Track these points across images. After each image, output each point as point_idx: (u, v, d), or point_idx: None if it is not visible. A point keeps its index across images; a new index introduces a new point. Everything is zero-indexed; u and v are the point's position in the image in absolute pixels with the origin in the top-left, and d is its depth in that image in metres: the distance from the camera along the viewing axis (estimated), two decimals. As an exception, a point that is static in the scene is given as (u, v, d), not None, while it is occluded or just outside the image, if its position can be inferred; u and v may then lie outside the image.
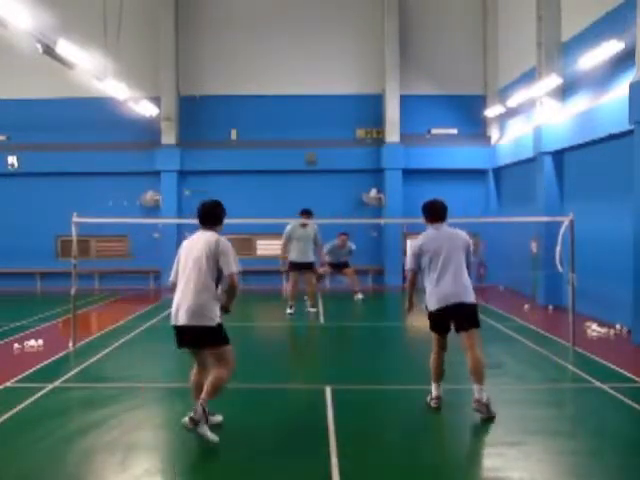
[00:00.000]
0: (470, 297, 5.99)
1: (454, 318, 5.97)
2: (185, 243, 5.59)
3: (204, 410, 5.06)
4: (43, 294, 16.71)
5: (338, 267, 14.69)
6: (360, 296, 14.08)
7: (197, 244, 5.42)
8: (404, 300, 6.27)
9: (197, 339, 5.32)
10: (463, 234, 6.21)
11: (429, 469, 4.84)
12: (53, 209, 16.87)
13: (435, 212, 6.25)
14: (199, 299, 5.24)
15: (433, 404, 6.15)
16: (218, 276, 5.37)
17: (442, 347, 6.13)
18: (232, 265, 5.33)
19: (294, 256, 12.51)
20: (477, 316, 6.03)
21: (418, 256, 6.11)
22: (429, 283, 6.05)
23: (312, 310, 12.62)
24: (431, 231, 6.19)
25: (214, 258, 5.31)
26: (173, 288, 5.54)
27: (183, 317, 5.25)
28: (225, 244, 5.39)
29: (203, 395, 5.15)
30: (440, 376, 6.16)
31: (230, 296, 5.42)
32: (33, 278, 17.45)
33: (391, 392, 7.08)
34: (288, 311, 12.44)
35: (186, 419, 5.06)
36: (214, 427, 5.37)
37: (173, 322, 5.38)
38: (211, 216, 5.60)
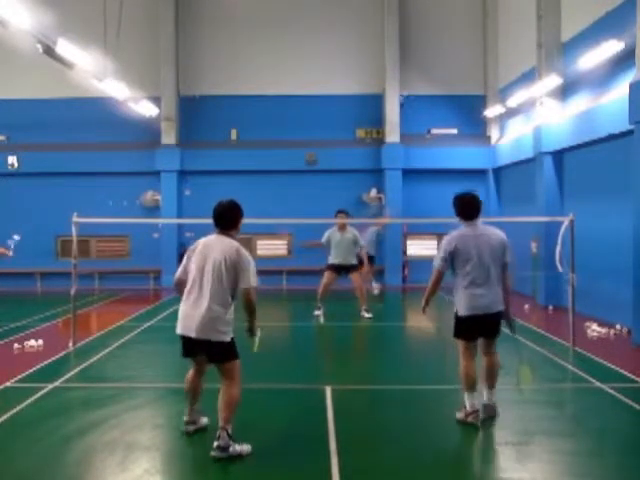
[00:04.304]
0: (501, 305, 5.62)
1: (482, 326, 5.61)
2: (200, 245, 5.13)
3: (229, 435, 4.87)
4: (43, 294, 16.71)
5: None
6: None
7: (214, 250, 4.99)
8: (421, 298, 5.91)
9: (208, 353, 5.05)
10: (500, 233, 5.69)
11: (429, 469, 4.83)
12: (53, 209, 16.88)
13: (469, 208, 5.68)
14: (214, 312, 4.90)
15: (471, 419, 5.56)
16: (234, 288, 5.00)
17: (472, 354, 5.68)
18: (251, 279, 4.94)
19: (333, 259, 11.93)
20: (501, 323, 5.71)
21: (450, 256, 5.58)
22: (461, 287, 5.58)
23: (367, 315, 11.79)
24: (465, 229, 5.65)
25: (233, 269, 4.92)
26: (178, 286, 5.17)
27: (194, 329, 4.92)
28: (245, 255, 4.99)
29: (222, 420, 4.90)
30: (474, 385, 5.63)
31: (250, 315, 5.08)
32: (33, 278, 17.45)
33: (391, 392, 7.08)
34: (316, 312, 11.92)
35: (214, 453, 4.85)
36: (201, 430, 5.41)
37: (181, 331, 5.04)
38: (228, 218, 5.16)
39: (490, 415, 5.68)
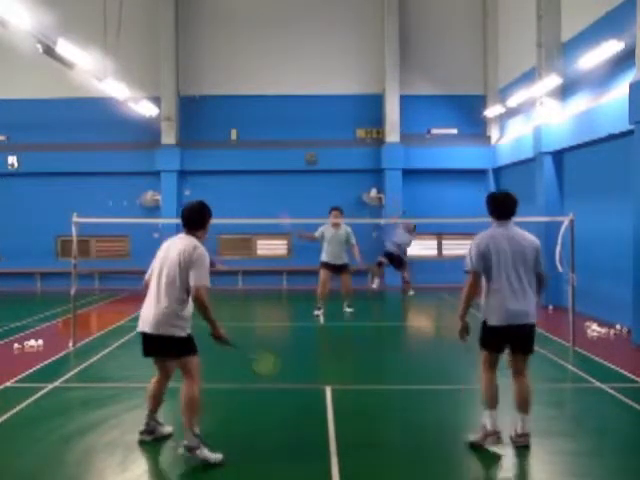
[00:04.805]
0: (534, 317, 5.12)
1: (513, 339, 5.12)
2: (164, 245, 5.20)
3: (194, 434, 4.82)
4: (43, 294, 16.71)
5: (395, 262, 14.72)
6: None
7: (174, 249, 5.00)
8: (455, 316, 5.28)
9: (162, 348, 5.01)
10: (533, 237, 5.23)
11: (429, 469, 4.84)
12: (53, 209, 16.87)
13: (505, 207, 5.22)
14: (168, 308, 4.88)
15: (491, 442, 5.04)
16: (188, 288, 4.92)
17: (494, 367, 5.19)
18: (201, 278, 4.84)
19: (325, 256, 12.19)
20: (534, 339, 5.20)
21: (484, 257, 5.05)
22: (491, 293, 5.08)
23: (349, 310, 12.34)
24: (498, 230, 5.17)
25: (186, 267, 4.87)
26: (145, 288, 5.20)
27: (149, 325, 4.94)
28: (201, 253, 4.91)
29: (186, 422, 4.86)
30: (497, 401, 5.13)
31: (204, 315, 4.88)
32: (33, 278, 17.45)
33: (391, 392, 7.08)
34: (315, 312, 12.03)
35: (181, 449, 4.86)
36: (164, 437, 5.33)
37: (139, 328, 5.05)
38: (194, 220, 5.14)
39: (524, 444, 5.12)
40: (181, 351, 4.99)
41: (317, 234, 12.26)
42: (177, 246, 5.00)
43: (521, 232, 5.22)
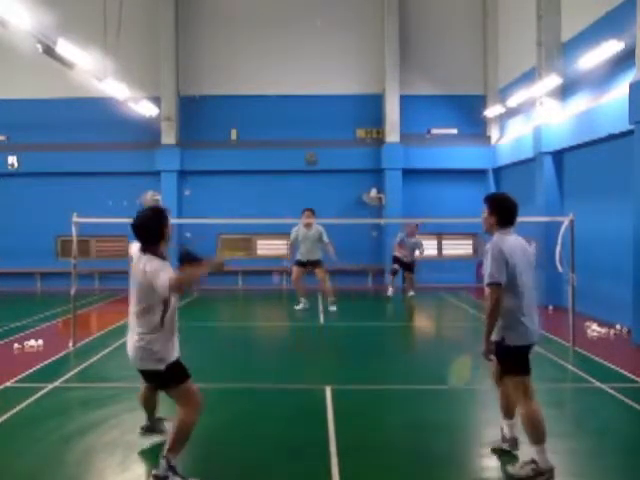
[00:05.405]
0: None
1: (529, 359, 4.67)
2: (132, 262, 4.59)
3: (168, 465, 4.34)
4: (43, 294, 16.70)
5: (405, 266, 14.66)
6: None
7: (136, 271, 4.45)
8: (482, 339, 4.66)
9: (147, 379, 4.71)
10: (529, 245, 4.89)
11: (429, 469, 4.83)
12: (53, 209, 16.87)
13: (514, 212, 4.79)
14: (141, 340, 4.45)
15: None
16: (161, 307, 4.43)
17: (532, 393, 4.64)
18: (165, 279, 4.14)
19: (299, 255, 12.81)
20: None
21: (509, 267, 4.53)
22: (513, 308, 4.55)
23: (332, 309, 12.60)
24: (508, 237, 4.70)
25: (151, 288, 4.28)
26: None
27: (131, 357, 4.58)
28: (157, 264, 4.30)
29: (167, 447, 4.39)
30: (545, 433, 4.56)
31: (187, 287, 4.43)
32: (33, 278, 17.45)
33: (391, 392, 7.08)
34: (296, 307, 12.70)
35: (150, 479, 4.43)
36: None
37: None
38: (143, 237, 4.50)
39: (513, 449, 4.96)
40: (165, 382, 4.54)
41: (292, 238, 12.92)
42: (139, 268, 4.42)
43: (523, 240, 4.88)
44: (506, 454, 4.99)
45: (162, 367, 4.44)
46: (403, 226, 15.04)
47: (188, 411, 4.45)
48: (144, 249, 4.50)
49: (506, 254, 4.54)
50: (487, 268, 4.58)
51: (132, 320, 4.57)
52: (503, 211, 4.77)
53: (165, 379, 4.50)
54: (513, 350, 4.56)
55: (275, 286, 16.21)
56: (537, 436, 4.51)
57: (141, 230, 4.50)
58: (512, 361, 4.59)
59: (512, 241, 4.69)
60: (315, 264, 12.77)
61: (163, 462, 4.36)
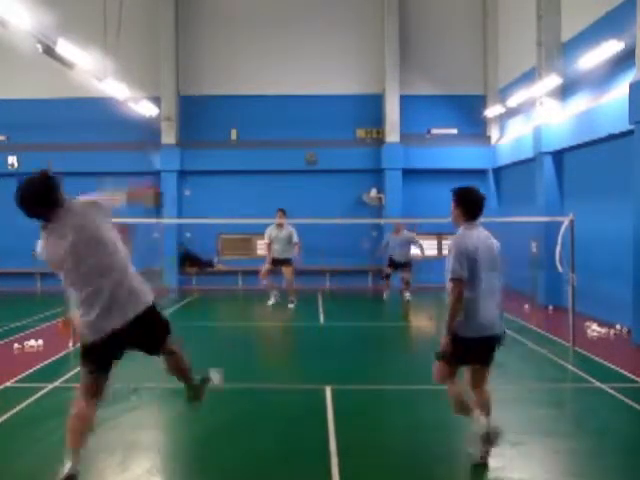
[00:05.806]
0: (502, 327, 4.84)
1: (481, 351, 4.78)
2: (40, 250, 4.38)
3: (204, 378, 4.78)
4: (43, 294, 16.70)
5: (399, 266, 14.44)
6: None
7: (68, 234, 4.17)
8: (441, 331, 4.86)
9: (142, 337, 4.48)
10: (493, 238, 4.91)
11: (429, 469, 4.83)
12: (53, 209, 16.84)
13: (480, 206, 4.82)
14: (128, 285, 4.42)
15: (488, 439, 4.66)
16: (117, 243, 4.49)
17: (456, 375, 4.87)
18: (101, 200, 4.32)
19: (272, 253, 13.30)
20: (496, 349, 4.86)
21: (470, 261, 4.63)
22: (467, 301, 4.67)
23: (290, 306, 13.13)
24: (471, 231, 4.78)
25: (97, 225, 4.30)
26: None
27: (120, 317, 4.24)
28: (88, 199, 4.32)
29: (188, 377, 4.67)
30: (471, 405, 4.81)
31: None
32: (33, 278, 17.44)
33: (391, 392, 7.08)
34: (268, 302, 13.40)
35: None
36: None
37: (94, 335, 4.26)
38: (40, 200, 4.04)
39: (496, 439, 4.77)
40: (165, 326, 4.45)
41: (266, 238, 13.28)
42: (68, 228, 4.17)
43: (485, 231, 4.89)
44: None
45: (151, 298, 4.25)
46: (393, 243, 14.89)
47: (76, 404, 4.23)
48: (48, 219, 4.07)
49: (469, 250, 4.65)
50: (449, 263, 4.71)
51: (100, 286, 4.18)
52: (468, 204, 4.82)
53: (162, 317, 4.36)
54: (461, 340, 4.67)
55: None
56: (469, 408, 4.79)
57: (36, 198, 4.00)
58: (457, 351, 4.69)
59: (476, 236, 4.75)
60: (284, 262, 13.23)
61: (198, 378, 4.67)
